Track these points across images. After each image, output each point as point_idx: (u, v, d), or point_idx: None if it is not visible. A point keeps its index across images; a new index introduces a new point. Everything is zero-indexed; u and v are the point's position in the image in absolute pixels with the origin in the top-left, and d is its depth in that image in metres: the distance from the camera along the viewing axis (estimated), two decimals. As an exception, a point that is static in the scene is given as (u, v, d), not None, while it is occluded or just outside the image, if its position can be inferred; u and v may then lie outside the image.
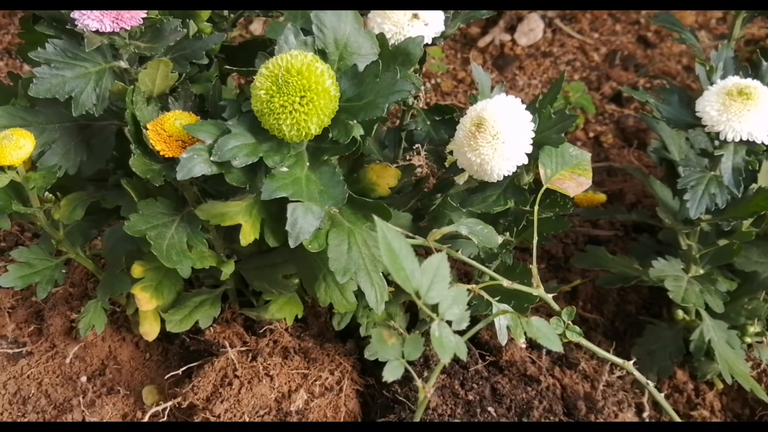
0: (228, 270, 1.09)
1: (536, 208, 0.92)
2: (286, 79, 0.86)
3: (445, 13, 1.07)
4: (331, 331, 1.42)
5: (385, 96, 0.88)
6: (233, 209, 1.03)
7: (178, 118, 0.96)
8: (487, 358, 1.33)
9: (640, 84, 2.09)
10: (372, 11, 1.07)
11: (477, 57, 2.10)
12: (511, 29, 2.18)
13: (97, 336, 1.41)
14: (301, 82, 0.86)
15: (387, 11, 1.05)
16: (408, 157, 1.21)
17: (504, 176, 0.95)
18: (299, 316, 1.32)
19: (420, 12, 1.04)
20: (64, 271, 1.18)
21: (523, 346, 1.36)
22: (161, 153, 0.96)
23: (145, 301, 1.24)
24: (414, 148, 1.20)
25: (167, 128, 0.95)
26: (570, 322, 0.85)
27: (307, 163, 0.92)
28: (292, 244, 0.87)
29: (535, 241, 0.90)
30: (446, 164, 1.04)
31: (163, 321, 1.35)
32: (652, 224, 1.52)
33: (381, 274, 1.06)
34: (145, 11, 0.95)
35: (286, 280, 1.24)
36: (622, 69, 2.12)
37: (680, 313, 1.34)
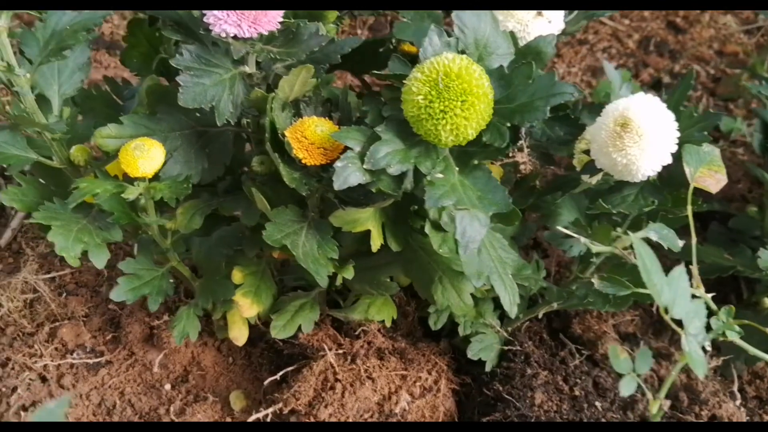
0: (348, 275, 1.08)
1: (689, 207, 0.92)
2: (447, 84, 0.84)
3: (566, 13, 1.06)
4: (420, 331, 1.41)
5: (543, 98, 0.87)
6: (364, 215, 1.01)
7: (318, 125, 0.93)
8: (582, 352, 1.34)
9: (676, 70, 2.11)
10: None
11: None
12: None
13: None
14: (461, 86, 0.85)
15: (511, 10, 1.03)
16: (510, 154, 1.20)
17: (648, 176, 0.94)
18: (394, 318, 1.31)
19: (544, 9, 1.03)
20: (172, 281, 1.15)
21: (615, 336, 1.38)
22: (303, 161, 0.93)
23: (247, 306, 1.22)
24: (517, 144, 1.19)
25: (308, 136, 0.93)
26: (730, 320, 0.85)
27: (456, 168, 0.91)
28: (462, 252, 0.86)
29: (693, 242, 0.90)
30: (575, 163, 1.03)
31: (251, 325, 1.34)
32: (722, 212, 1.54)
33: (510, 276, 1.06)
34: (281, 14, 0.93)
35: (389, 282, 1.22)
36: (657, 55, 2.14)
37: (767, 301, 1.36)
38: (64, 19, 0.93)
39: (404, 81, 0.89)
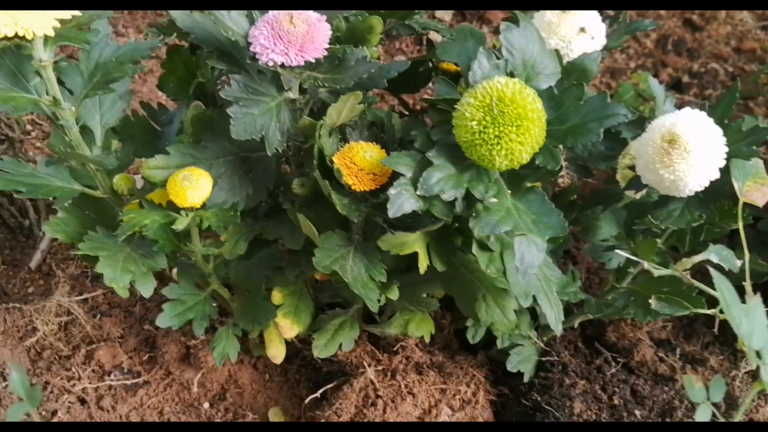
0: (393, 296, 1.07)
1: (740, 223, 0.92)
2: (501, 109, 0.84)
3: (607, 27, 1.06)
4: (455, 344, 1.41)
5: (597, 120, 0.86)
6: (411, 238, 1.01)
7: (366, 150, 0.93)
8: (618, 360, 1.34)
9: (695, 69, 2.10)
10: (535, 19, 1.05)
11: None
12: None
13: (217, 361, 1.38)
14: (516, 110, 0.84)
15: (553, 24, 1.03)
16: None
17: (695, 191, 0.94)
18: (432, 333, 1.31)
19: (587, 25, 1.03)
20: (214, 305, 1.15)
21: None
22: (352, 187, 0.93)
23: (287, 327, 1.22)
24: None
25: (357, 162, 0.92)
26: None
27: (508, 191, 0.90)
28: (520, 279, 0.86)
29: (746, 259, 0.90)
30: (619, 178, 1.03)
31: (286, 342, 1.34)
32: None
33: (555, 293, 1.06)
34: (327, 41, 0.92)
35: (428, 299, 1.22)
36: (675, 54, 2.13)
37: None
38: (107, 51, 0.92)
39: (455, 105, 0.88)
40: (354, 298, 1.28)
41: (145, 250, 1.06)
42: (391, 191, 0.86)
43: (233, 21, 0.92)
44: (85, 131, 0.98)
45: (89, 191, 1.00)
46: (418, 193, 0.87)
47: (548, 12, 1.05)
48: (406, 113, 1.20)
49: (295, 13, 0.92)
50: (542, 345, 1.33)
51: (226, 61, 0.95)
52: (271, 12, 0.93)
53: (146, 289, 1.01)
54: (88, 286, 1.51)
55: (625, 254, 1.06)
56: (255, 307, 1.19)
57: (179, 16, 0.95)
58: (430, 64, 1.10)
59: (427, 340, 1.29)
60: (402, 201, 0.86)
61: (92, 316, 1.45)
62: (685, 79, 2.05)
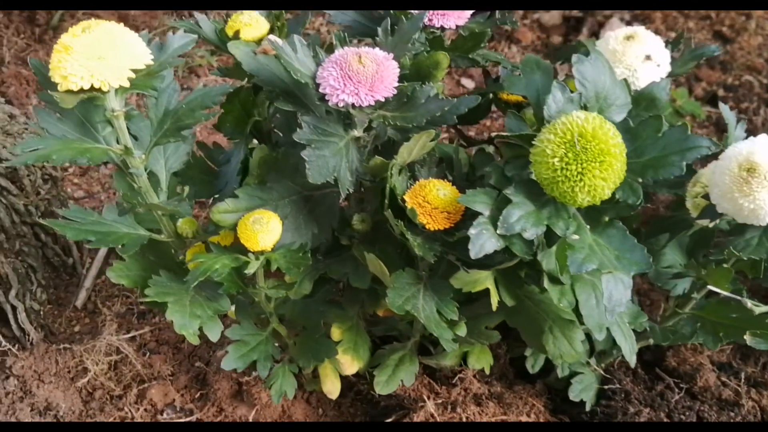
0: (461, 332, 1.06)
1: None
2: (583, 145, 0.82)
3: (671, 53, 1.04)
4: (512, 373, 1.39)
5: (678, 153, 0.84)
6: (482, 275, 0.99)
7: (439, 188, 0.91)
8: (681, 386, 1.32)
9: (729, 82, 2.09)
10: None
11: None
12: (594, 35, 2.16)
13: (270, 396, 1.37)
14: (598, 146, 0.83)
15: (618, 53, 1.01)
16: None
17: (775, 220, 0.92)
18: (491, 364, 1.29)
19: (652, 52, 1.01)
20: (277, 345, 1.13)
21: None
22: (426, 226, 0.91)
23: (348, 364, 1.21)
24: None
25: (431, 200, 0.91)
26: None
27: (587, 227, 0.89)
28: (609, 317, 0.84)
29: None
30: (689, 206, 1.01)
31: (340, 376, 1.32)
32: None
33: (627, 324, 1.04)
34: (396, 80, 0.91)
35: (489, 332, 1.21)
36: (708, 68, 2.12)
37: None
38: (175, 97, 0.91)
39: (533, 141, 0.87)
40: (411, 332, 1.26)
41: (209, 292, 1.04)
42: (472, 231, 0.85)
43: (300, 62, 0.91)
44: (151, 176, 0.97)
45: (155, 236, 0.99)
46: (498, 232, 0.86)
47: (612, 40, 1.04)
48: (465, 145, 1.18)
49: (362, 52, 0.91)
50: (602, 372, 1.31)
51: (291, 102, 0.94)
52: (337, 52, 0.92)
53: (214, 333, 1.00)
54: (135, 324, 1.50)
55: (747, 302, 1.03)
56: (314, 344, 1.17)
57: (244, 59, 0.94)
58: (491, 96, 1.09)
59: (488, 371, 1.27)
60: (483, 241, 0.85)
61: (141, 354, 1.44)
62: (720, 92, 2.03)
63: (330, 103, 0.90)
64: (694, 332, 1.15)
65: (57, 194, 1.50)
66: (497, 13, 1.07)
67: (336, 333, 1.19)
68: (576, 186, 0.84)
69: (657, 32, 2.23)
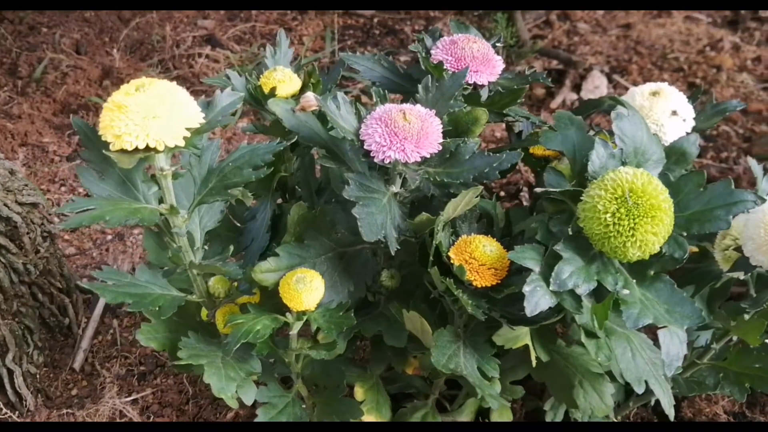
0: (497, 389, 1.04)
1: None
2: (635, 201, 0.83)
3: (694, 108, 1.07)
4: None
5: (723, 207, 0.86)
6: (522, 332, 0.99)
7: (485, 245, 0.91)
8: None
9: (707, 132, 2.16)
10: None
11: (549, 118, 2.12)
12: (577, 87, 2.22)
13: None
14: (648, 201, 0.83)
15: (645, 109, 1.04)
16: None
17: (808, 271, 0.94)
18: (511, 419, 1.28)
19: (678, 108, 1.04)
20: (303, 406, 1.10)
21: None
22: (474, 283, 0.91)
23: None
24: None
25: (477, 257, 0.90)
26: None
27: (633, 281, 0.89)
28: (669, 372, 0.84)
29: None
30: (719, 259, 1.03)
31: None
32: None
33: (662, 376, 1.04)
34: (440, 136, 0.91)
35: (513, 386, 1.20)
36: (687, 118, 2.18)
37: None
38: (216, 155, 0.89)
39: (582, 197, 0.87)
40: (429, 389, 1.25)
41: (238, 354, 1.01)
42: (526, 288, 0.84)
43: (343, 119, 0.91)
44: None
45: (191, 298, 0.96)
46: (551, 288, 0.85)
47: (638, 96, 1.06)
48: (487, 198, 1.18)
49: (405, 108, 0.91)
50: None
51: (331, 158, 0.93)
52: (379, 109, 0.92)
53: (248, 396, 0.97)
54: (136, 386, 1.44)
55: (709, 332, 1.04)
56: (338, 404, 1.14)
57: (284, 115, 0.93)
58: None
59: (511, 426, 1.25)
60: (538, 298, 0.84)
61: (146, 418, 1.38)
62: (701, 142, 2.09)
63: (376, 160, 0.89)
64: (718, 383, 1.16)
65: (54, 252, 1.45)
66: (526, 70, 1.08)
67: (359, 392, 1.16)
68: (628, 241, 0.84)
69: (635, 83, 2.32)
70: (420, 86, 0.94)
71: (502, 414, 1.24)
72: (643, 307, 0.84)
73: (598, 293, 0.88)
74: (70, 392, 1.44)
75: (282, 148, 0.87)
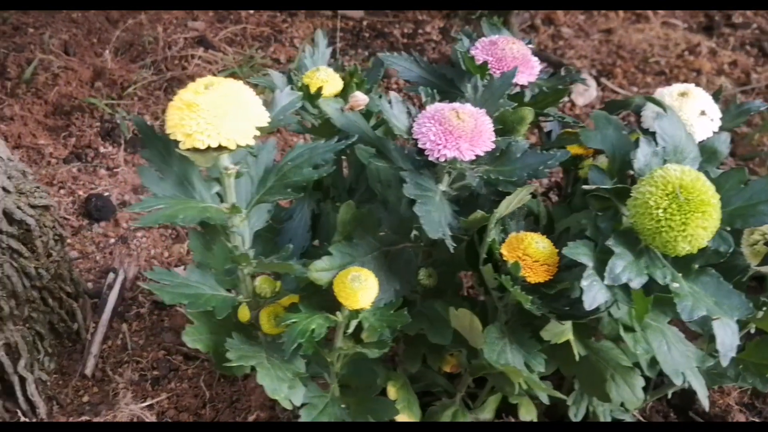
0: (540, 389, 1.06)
1: None
2: (686, 196, 0.86)
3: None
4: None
5: (766, 202, 0.89)
6: (567, 327, 1.01)
7: (537, 241, 0.93)
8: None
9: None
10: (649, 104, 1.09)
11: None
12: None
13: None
14: (699, 197, 0.86)
15: (675, 109, 1.07)
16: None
17: None
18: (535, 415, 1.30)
19: (706, 108, 1.07)
20: (343, 406, 1.10)
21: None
22: (527, 279, 0.92)
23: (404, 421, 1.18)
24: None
25: (530, 253, 0.92)
26: None
27: (679, 275, 0.92)
28: (724, 363, 0.86)
29: None
30: (747, 254, 1.06)
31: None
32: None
33: (696, 369, 1.07)
34: (493, 134, 0.92)
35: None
36: (672, 121, 2.24)
37: None
38: (273, 155, 0.89)
39: (632, 194, 0.89)
40: (453, 388, 1.26)
41: (280, 354, 1.00)
42: (584, 283, 0.86)
43: (396, 118, 0.91)
44: (232, 235, 0.93)
45: (241, 299, 0.95)
46: (606, 282, 0.87)
47: (667, 97, 1.09)
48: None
49: (458, 107, 0.92)
50: (641, 418, 1.33)
51: (381, 157, 0.93)
52: (430, 108, 0.93)
53: (298, 396, 0.97)
54: (150, 391, 1.42)
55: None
56: (372, 404, 1.14)
57: (335, 115, 0.94)
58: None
59: (536, 420, 1.27)
60: (595, 292, 0.86)
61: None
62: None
63: (431, 158, 0.90)
64: (738, 375, 1.19)
65: (64, 256, 1.42)
66: (562, 70, 1.11)
67: (392, 391, 1.17)
68: (679, 236, 0.87)
69: (621, 87, 2.37)
70: (469, 86, 0.95)
71: (529, 410, 1.26)
72: (695, 300, 0.87)
73: (647, 287, 0.91)
74: (81, 399, 1.41)
75: (343, 147, 0.87)
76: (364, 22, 2.51)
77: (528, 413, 1.26)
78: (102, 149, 1.86)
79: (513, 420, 1.30)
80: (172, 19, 2.35)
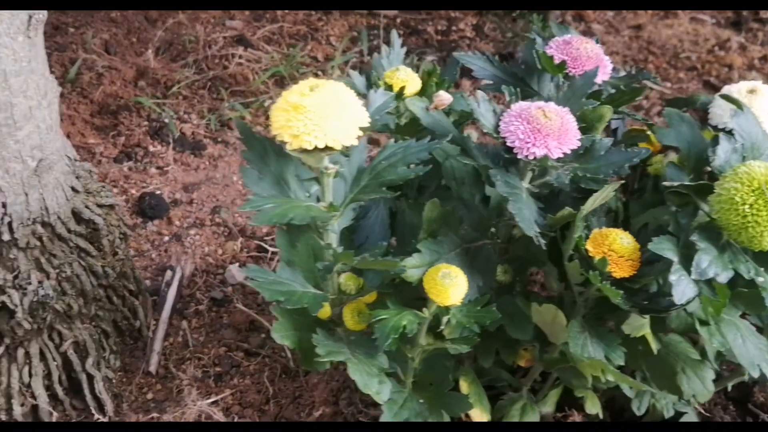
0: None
1: None
2: (773, 192, 0.88)
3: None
4: (607, 416, 1.42)
5: None
6: (646, 321, 1.02)
7: (622, 237, 0.95)
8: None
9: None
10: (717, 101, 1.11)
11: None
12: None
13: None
14: (782, 193, 0.88)
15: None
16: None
17: None
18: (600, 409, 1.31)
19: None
20: (422, 401, 1.12)
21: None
22: (613, 275, 0.94)
23: (477, 416, 1.20)
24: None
25: (616, 249, 0.94)
26: None
27: (761, 269, 0.93)
28: (813, 355, 0.88)
29: None
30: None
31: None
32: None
33: (769, 361, 1.09)
34: (578, 132, 0.94)
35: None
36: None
37: None
38: (364, 154, 0.91)
39: (716, 190, 0.91)
40: (518, 382, 1.28)
41: (363, 350, 1.02)
42: (672, 278, 0.88)
43: (483, 116, 0.93)
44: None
45: (327, 295, 0.97)
46: (692, 277, 0.89)
47: (735, 94, 1.11)
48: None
49: (543, 106, 0.94)
50: (702, 411, 1.35)
51: (466, 155, 0.95)
52: (515, 107, 0.95)
53: (386, 391, 0.98)
54: (213, 387, 1.44)
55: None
56: (446, 398, 1.16)
57: (421, 114, 0.95)
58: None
59: (601, 416, 1.29)
60: (683, 287, 0.88)
61: (232, 419, 1.38)
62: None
63: (519, 156, 0.92)
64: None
65: (127, 254, 1.44)
66: (633, 70, 1.12)
67: (464, 386, 1.19)
68: (765, 231, 0.89)
69: (654, 83, 2.37)
70: (551, 85, 0.97)
71: (594, 403, 1.28)
72: (780, 293, 0.89)
73: (732, 281, 0.92)
74: (146, 396, 1.43)
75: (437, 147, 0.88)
76: (398, 20, 2.53)
77: (593, 406, 1.28)
78: (151, 148, 1.89)
79: (575, 412, 1.32)
80: (210, 18, 2.37)
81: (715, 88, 2.39)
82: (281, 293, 0.90)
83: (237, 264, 1.65)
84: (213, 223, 1.74)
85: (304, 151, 0.78)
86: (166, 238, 1.70)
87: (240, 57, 2.17)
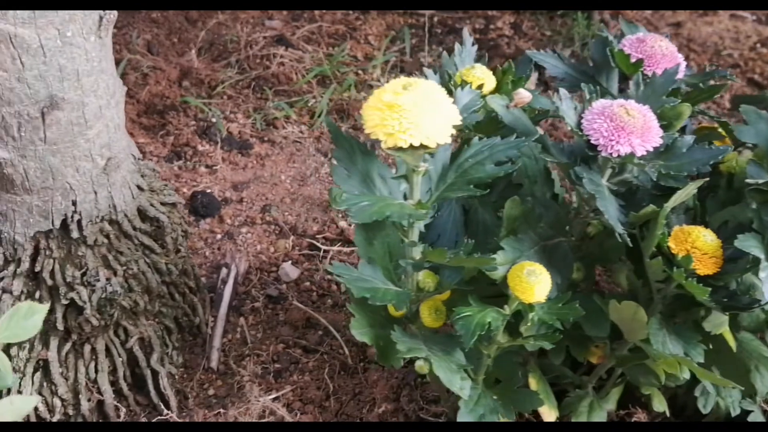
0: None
1: None
2: None
3: None
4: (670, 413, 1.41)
5: None
6: (725, 319, 1.02)
7: (705, 234, 0.95)
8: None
9: None
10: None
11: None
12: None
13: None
14: None
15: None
16: None
17: None
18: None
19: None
20: (495, 397, 1.12)
21: None
22: (698, 272, 0.94)
23: (546, 413, 1.20)
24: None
25: (699, 246, 0.93)
26: None
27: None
28: None
29: None
30: None
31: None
32: None
33: None
34: (660, 129, 0.94)
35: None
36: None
37: None
38: (448, 152, 0.91)
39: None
40: (582, 380, 1.28)
41: (438, 347, 1.03)
42: (762, 275, 0.88)
43: (566, 114, 0.93)
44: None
45: (404, 291, 0.98)
46: (785, 276, 0.89)
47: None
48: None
49: (625, 104, 0.94)
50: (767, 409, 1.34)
51: (547, 153, 0.95)
52: (596, 104, 0.95)
53: (467, 388, 0.99)
54: (274, 384, 1.45)
55: None
56: (515, 395, 1.16)
57: (503, 112, 0.96)
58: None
59: (668, 414, 1.29)
60: (769, 286, 0.88)
61: (293, 415, 1.39)
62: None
63: (603, 154, 0.92)
64: None
65: (187, 252, 1.46)
66: (708, 67, 1.12)
67: (533, 383, 1.19)
68: None
69: (698, 81, 2.35)
70: (631, 82, 0.97)
71: (661, 401, 1.28)
72: None
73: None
74: (207, 392, 1.44)
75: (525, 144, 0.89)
76: (435, 18, 2.53)
77: (660, 404, 1.28)
78: (200, 147, 1.90)
79: (639, 410, 1.32)
80: (249, 18, 2.38)
81: (760, 86, 2.37)
82: (366, 290, 0.91)
83: (290, 262, 1.66)
84: (264, 221, 1.75)
85: (399, 149, 0.78)
86: (219, 236, 1.71)
87: (281, 57, 2.18)
